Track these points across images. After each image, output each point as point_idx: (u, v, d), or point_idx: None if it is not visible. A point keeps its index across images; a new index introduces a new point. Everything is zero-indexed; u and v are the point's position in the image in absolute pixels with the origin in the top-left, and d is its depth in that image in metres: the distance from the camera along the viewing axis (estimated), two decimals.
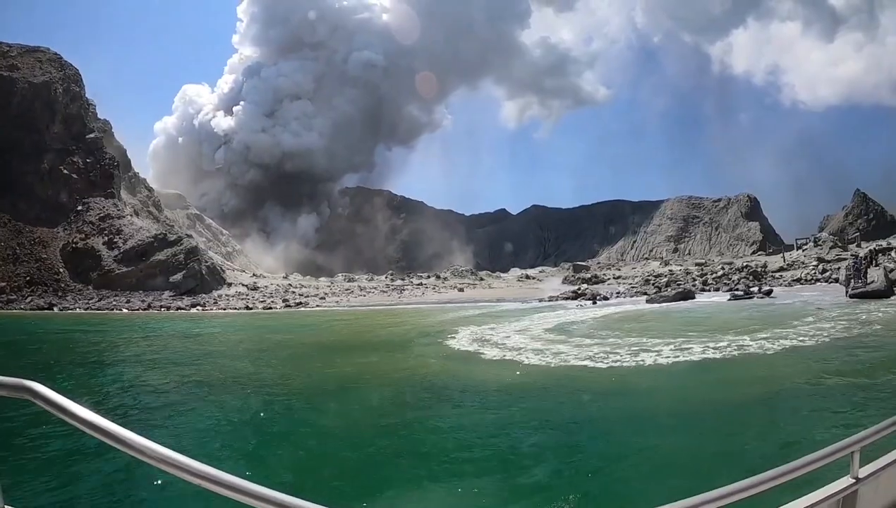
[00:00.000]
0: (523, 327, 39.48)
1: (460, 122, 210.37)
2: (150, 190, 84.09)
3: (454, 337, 35.28)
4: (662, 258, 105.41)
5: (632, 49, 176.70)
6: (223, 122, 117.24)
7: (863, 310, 36.74)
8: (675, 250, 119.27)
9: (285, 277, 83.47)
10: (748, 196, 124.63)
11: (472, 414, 17.06)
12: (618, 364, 23.43)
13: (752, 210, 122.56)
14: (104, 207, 71.40)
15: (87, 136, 74.69)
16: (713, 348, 24.97)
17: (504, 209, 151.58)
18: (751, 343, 25.88)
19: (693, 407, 16.83)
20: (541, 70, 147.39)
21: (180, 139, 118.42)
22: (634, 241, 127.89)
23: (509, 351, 28.72)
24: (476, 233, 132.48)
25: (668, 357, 24.34)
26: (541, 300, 61.68)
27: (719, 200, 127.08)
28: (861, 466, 3.27)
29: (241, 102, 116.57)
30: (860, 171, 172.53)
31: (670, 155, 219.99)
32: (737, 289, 52.33)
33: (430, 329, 42.07)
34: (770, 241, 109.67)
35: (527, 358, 26.33)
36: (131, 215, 72.94)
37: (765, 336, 27.44)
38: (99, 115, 79.59)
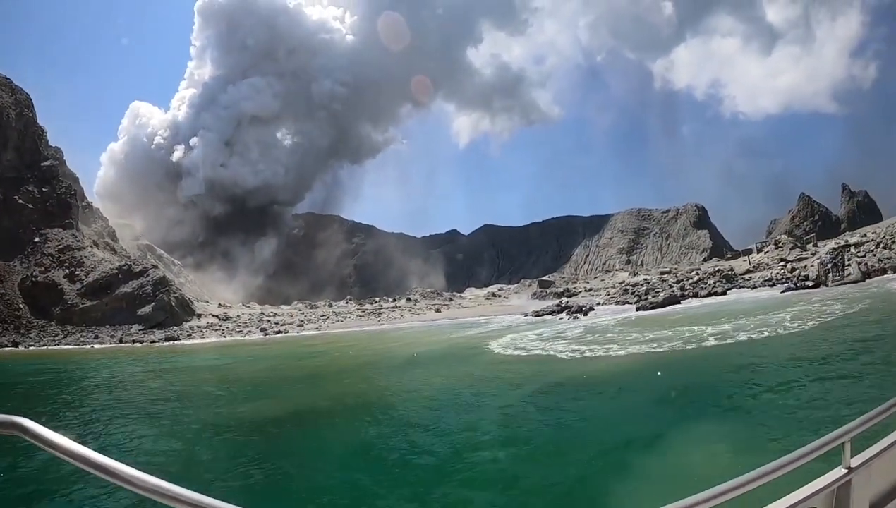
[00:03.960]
0: (552, 335, 42.40)
1: (410, 145, 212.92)
2: (104, 220, 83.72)
3: (493, 348, 37.65)
4: (620, 270, 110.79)
5: (579, 68, 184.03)
6: (182, 156, 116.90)
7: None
8: (628, 261, 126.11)
9: (247, 306, 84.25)
10: (696, 205, 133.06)
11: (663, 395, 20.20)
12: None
13: (701, 219, 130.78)
14: (63, 238, 71.83)
15: (42, 164, 74.60)
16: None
17: (455, 230, 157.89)
18: None
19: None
20: (491, 88, 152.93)
21: (132, 169, 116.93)
22: (587, 255, 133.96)
23: (574, 352, 31.62)
24: (430, 255, 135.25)
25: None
26: (526, 315, 64.77)
27: (668, 211, 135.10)
28: (853, 456, 3.44)
29: (200, 131, 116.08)
30: (803, 176, 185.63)
31: (618, 169, 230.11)
32: (790, 284, 57.66)
33: (455, 344, 44.63)
34: (723, 248, 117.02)
35: (608, 353, 29.51)
36: (91, 246, 72.60)
37: None
38: (50, 143, 78.79)
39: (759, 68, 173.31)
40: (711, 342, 30.29)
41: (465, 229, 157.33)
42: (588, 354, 31.16)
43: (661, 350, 29.85)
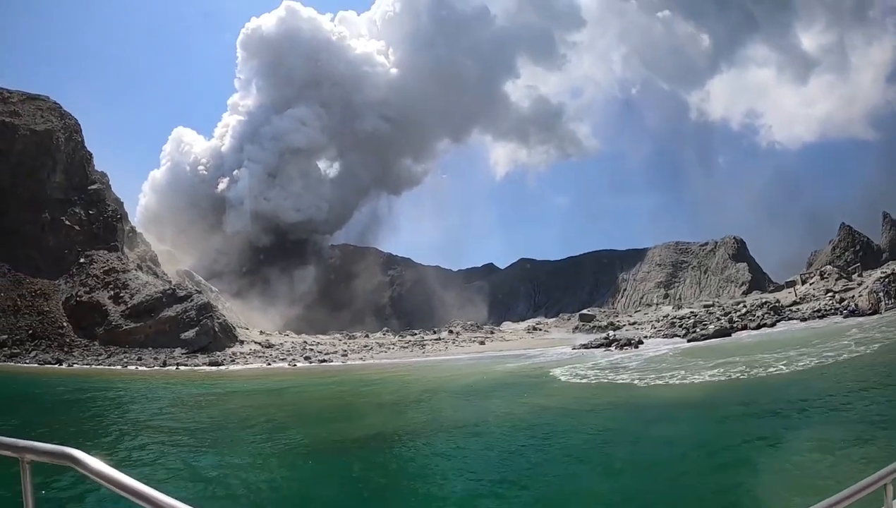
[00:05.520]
0: (610, 365, 43.07)
1: (447, 177, 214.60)
2: (147, 244, 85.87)
3: (559, 377, 38.31)
4: (660, 303, 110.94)
5: (616, 100, 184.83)
6: (225, 188, 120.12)
7: None
8: (666, 295, 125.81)
9: (286, 334, 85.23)
10: (734, 238, 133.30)
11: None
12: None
13: (739, 251, 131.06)
14: (108, 260, 74.13)
15: (89, 187, 77.09)
16: None
17: (492, 263, 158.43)
18: None
19: None
20: (528, 121, 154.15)
21: (174, 197, 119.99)
22: (625, 289, 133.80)
23: (645, 379, 32.21)
24: (467, 288, 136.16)
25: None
26: (574, 347, 65.27)
27: (706, 244, 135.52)
28: (895, 498, 3.39)
29: (245, 162, 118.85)
30: (841, 204, 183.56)
31: (654, 202, 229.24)
32: (847, 311, 58.75)
33: (516, 373, 45.50)
34: (762, 281, 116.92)
35: (682, 380, 30.15)
36: (136, 269, 74.16)
37: None
38: (96, 167, 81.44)
39: (795, 97, 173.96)
40: (782, 368, 30.93)
41: (502, 263, 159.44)
42: (660, 382, 31.98)
43: (734, 376, 30.55)
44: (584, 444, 19.38)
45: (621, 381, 33.13)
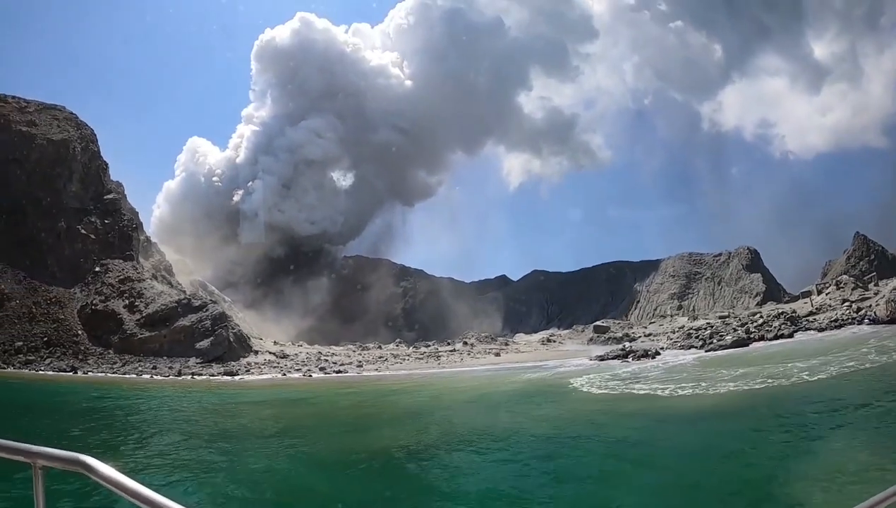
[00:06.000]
0: (630, 375, 42.82)
1: (461, 188, 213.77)
2: (161, 254, 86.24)
3: (581, 387, 38.07)
4: (675, 315, 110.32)
5: (628, 111, 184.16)
6: (240, 200, 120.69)
7: None
8: (680, 307, 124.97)
9: (298, 345, 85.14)
10: (748, 248, 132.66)
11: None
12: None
13: (753, 262, 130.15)
14: (123, 269, 74.73)
15: (105, 197, 77.78)
16: None
17: (505, 275, 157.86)
18: None
19: None
20: (541, 133, 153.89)
21: (188, 208, 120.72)
22: (638, 301, 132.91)
23: (669, 389, 31.90)
24: (480, 300, 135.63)
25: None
26: (591, 359, 65.33)
27: (720, 255, 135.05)
28: None
29: (260, 173, 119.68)
30: (856, 214, 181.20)
31: (667, 212, 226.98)
32: (867, 319, 58.70)
33: (536, 384, 45.26)
34: (777, 291, 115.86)
35: (707, 391, 29.87)
36: (151, 279, 74.37)
37: None
38: (112, 177, 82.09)
39: (808, 106, 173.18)
40: (805, 377, 30.66)
41: (515, 274, 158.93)
42: (683, 392, 31.56)
43: (758, 386, 30.23)
44: (612, 455, 19.24)
45: (644, 392, 32.98)
